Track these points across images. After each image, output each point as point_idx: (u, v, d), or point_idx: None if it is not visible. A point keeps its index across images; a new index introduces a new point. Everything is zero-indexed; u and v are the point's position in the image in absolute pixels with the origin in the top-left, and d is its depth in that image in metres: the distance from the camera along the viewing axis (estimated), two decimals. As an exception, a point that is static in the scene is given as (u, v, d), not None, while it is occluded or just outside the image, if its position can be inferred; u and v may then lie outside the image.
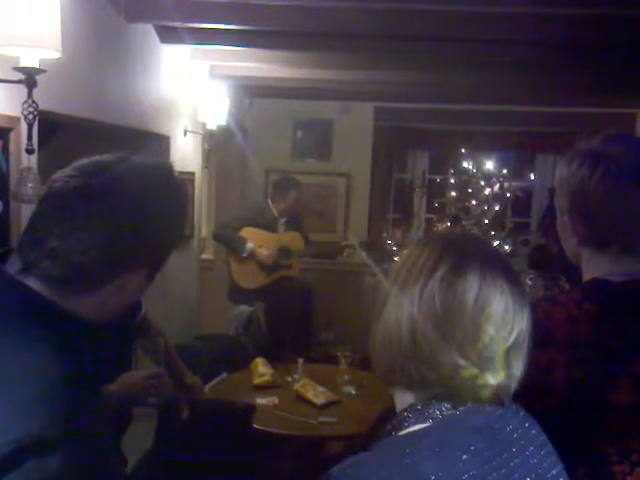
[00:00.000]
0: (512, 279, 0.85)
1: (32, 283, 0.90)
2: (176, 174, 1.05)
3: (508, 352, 0.83)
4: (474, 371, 0.82)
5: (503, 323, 0.83)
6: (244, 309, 4.62)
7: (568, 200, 1.18)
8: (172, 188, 1.02)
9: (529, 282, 3.78)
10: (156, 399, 1.93)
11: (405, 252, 0.94)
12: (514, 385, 0.85)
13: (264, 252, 4.62)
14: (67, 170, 0.94)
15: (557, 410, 1.07)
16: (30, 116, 2.20)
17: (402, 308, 0.86)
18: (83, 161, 0.96)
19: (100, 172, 0.93)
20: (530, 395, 0.88)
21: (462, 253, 0.86)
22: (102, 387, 0.93)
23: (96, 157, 0.97)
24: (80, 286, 0.92)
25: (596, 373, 1.07)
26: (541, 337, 1.08)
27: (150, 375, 1.93)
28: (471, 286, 0.83)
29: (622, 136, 1.19)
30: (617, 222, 1.14)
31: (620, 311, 1.10)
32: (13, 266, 0.92)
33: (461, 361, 0.81)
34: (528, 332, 0.85)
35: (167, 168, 1.04)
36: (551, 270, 3.98)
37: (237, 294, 4.75)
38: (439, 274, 0.84)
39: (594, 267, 1.18)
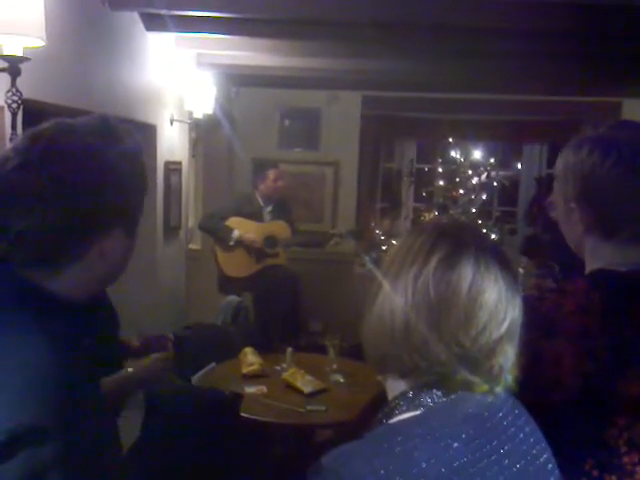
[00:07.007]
0: (505, 268, 0.85)
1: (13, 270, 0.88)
2: (116, 123, 0.99)
3: (500, 341, 0.83)
4: (469, 377, 0.82)
5: (496, 311, 0.83)
6: (232, 299, 4.62)
7: (576, 187, 1.16)
8: (112, 139, 0.96)
9: (521, 271, 3.80)
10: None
11: (399, 240, 0.93)
12: (504, 374, 0.85)
13: (251, 236, 4.64)
14: (6, 151, 0.91)
15: (566, 402, 1.06)
16: (14, 105, 2.17)
17: (395, 297, 0.85)
18: (19, 137, 0.93)
19: (34, 144, 0.90)
20: (538, 387, 0.87)
21: (456, 241, 0.86)
22: (105, 372, 0.90)
23: (30, 129, 0.93)
24: (58, 262, 0.90)
25: (606, 364, 1.06)
26: (548, 328, 1.07)
27: (164, 357, 2.02)
28: (465, 274, 0.82)
29: (631, 123, 1.19)
30: (628, 209, 1.13)
31: (628, 301, 1.10)
32: None
33: (457, 368, 0.82)
34: (520, 321, 0.85)
35: (103, 120, 0.99)
36: (542, 258, 4.00)
37: (226, 285, 4.76)
38: (433, 262, 0.84)
39: (599, 257, 1.16)
